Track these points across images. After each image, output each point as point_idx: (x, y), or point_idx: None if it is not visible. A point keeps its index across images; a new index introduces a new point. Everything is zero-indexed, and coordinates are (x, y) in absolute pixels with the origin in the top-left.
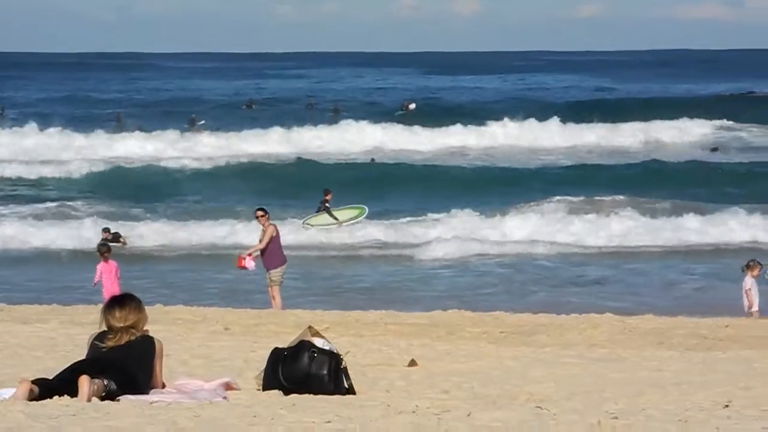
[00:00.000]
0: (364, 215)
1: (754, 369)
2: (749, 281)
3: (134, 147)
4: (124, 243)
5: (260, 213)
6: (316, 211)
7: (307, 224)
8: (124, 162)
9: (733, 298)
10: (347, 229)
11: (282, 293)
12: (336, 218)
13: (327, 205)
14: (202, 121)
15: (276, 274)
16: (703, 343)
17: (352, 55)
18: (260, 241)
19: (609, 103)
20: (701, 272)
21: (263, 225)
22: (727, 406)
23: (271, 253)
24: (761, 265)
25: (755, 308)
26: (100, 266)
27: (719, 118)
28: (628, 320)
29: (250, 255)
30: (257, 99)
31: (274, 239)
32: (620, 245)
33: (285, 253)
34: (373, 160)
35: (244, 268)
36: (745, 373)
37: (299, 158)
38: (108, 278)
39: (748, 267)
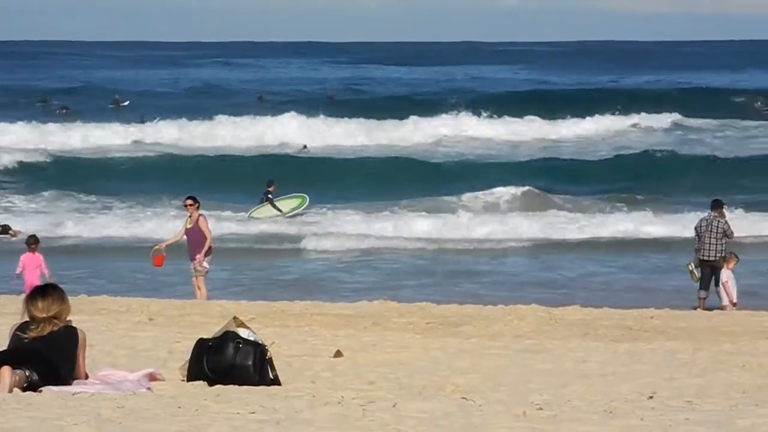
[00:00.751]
0: (306, 204)
1: (679, 360)
2: (726, 274)
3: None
4: (14, 235)
5: (189, 202)
6: (260, 203)
7: (253, 216)
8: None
9: (655, 288)
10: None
11: (207, 284)
12: (279, 209)
13: (269, 196)
14: (126, 102)
15: (206, 263)
16: (629, 334)
17: (276, 44)
18: (196, 233)
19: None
20: (623, 264)
21: (191, 214)
22: (651, 396)
23: (196, 243)
24: (737, 257)
25: (734, 300)
26: (24, 257)
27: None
28: (554, 311)
29: (180, 248)
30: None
31: (203, 230)
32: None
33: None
34: (305, 147)
35: (160, 266)
36: (669, 364)
37: (222, 155)
38: (30, 270)
39: (724, 259)
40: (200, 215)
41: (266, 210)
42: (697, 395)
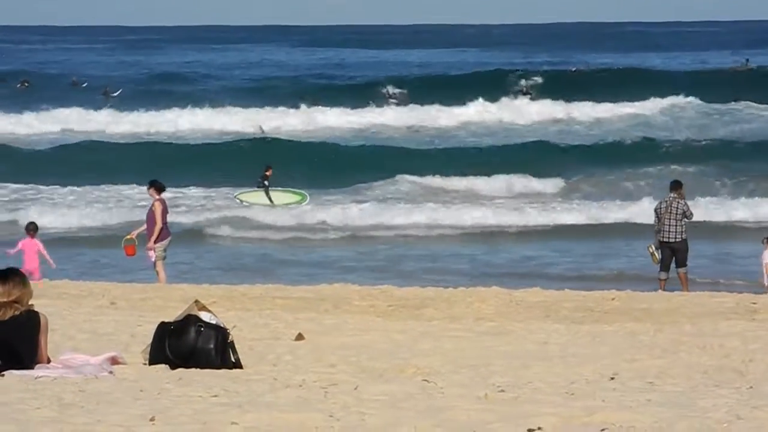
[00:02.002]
0: (305, 203)
1: (640, 341)
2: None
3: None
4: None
5: (147, 186)
6: (257, 186)
7: (239, 198)
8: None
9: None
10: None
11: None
12: (271, 201)
13: (266, 183)
14: (85, 83)
15: (159, 248)
16: (590, 315)
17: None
18: (152, 219)
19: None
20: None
21: (154, 198)
22: (612, 378)
23: (150, 228)
24: None
25: None
26: (23, 242)
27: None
28: (514, 293)
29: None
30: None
31: (156, 215)
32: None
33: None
34: (261, 129)
35: (133, 255)
36: (630, 346)
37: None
38: (30, 255)
39: (685, 241)
40: (157, 200)
41: (256, 196)
42: (658, 376)
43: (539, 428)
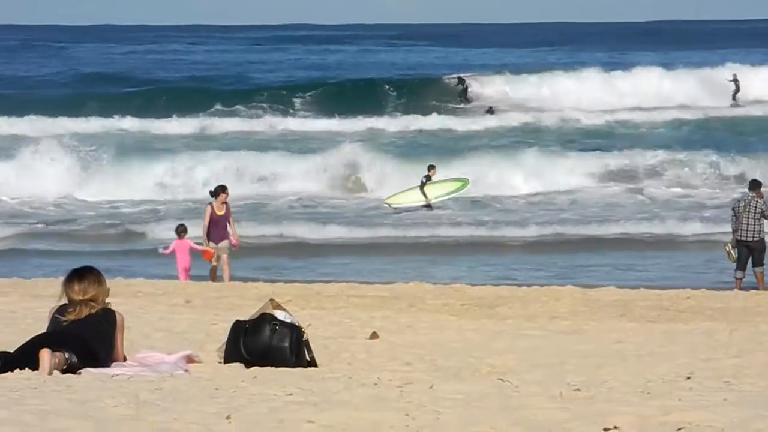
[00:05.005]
0: (467, 188)
1: (716, 341)
2: None
3: None
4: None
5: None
6: (421, 186)
7: (388, 203)
8: None
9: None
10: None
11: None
12: (425, 195)
13: (423, 180)
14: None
15: (223, 246)
16: (665, 314)
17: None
18: (224, 220)
19: None
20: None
21: (224, 201)
22: (688, 377)
23: (220, 227)
24: None
25: None
26: (175, 242)
27: None
28: (589, 292)
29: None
30: None
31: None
32: None
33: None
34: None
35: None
36: (706, 345)
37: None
38: (181, 254)
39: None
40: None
41: (407, 197)
42: (734, 376)
43: (615, 427)
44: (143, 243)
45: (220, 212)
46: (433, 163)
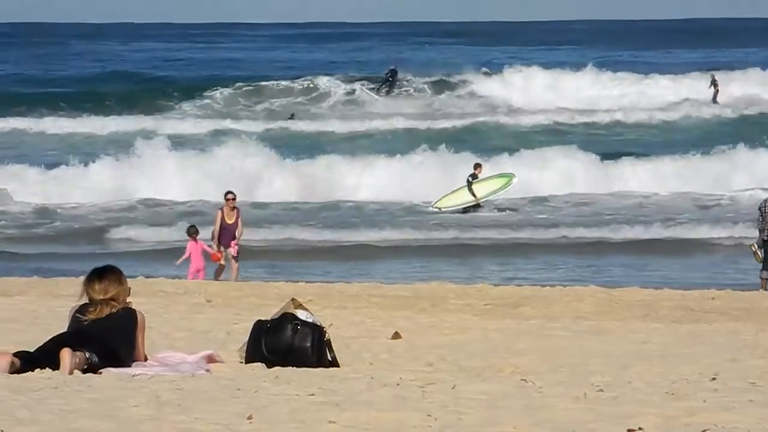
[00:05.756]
0: (513, 184)
1: (741, 341)
2: None
3: None
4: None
5: (231, 196)
6: (468, 185)
7: (437, 207)
8: None
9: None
10: None
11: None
12: (475, 196)
13: (469, 179)
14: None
15: (231, 251)
16: (690, 315)
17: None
18: (235, 224)
19: None
20: None
21: (233, 207)
22: (714, 378)
23: (230, 232)
24: None
25: None
26: (190, 245)
27: None
28: (613, 292)
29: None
30: None
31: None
32: None
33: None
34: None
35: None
36: (731, 345)
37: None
38: (195, 255)
39: None
40: (237, 208)
41: (456, 198)
42: (760, 377)
43: (640, 428)
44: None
45: (230, 220)
46: (479, 162)
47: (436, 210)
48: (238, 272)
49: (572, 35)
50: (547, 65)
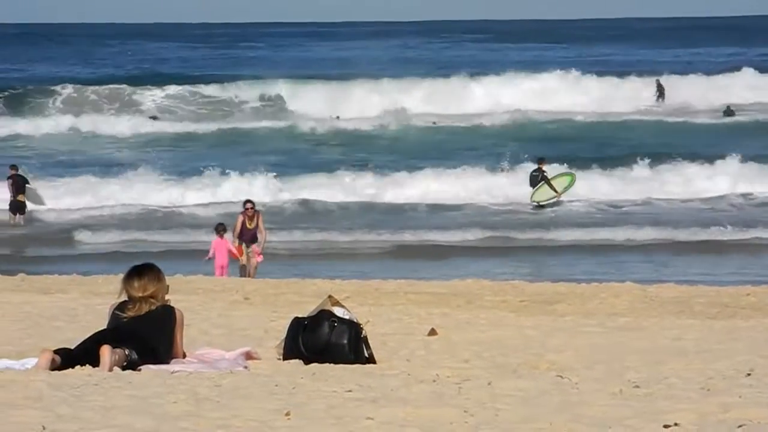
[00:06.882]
0: (575, 183)
1: None
2: None
3: None
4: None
5: (250, 205)
6: (536, 183)
7: (536, 201)
8: None
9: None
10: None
11: None
12: (555, 190)
13: (545, 174)
14: None
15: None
16: (725, 311)
17: None
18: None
19: None
20: None
21: (252, 216)
22: (749, 374)
23: (250, 234)
24: None
25: None
26: (215, 242)
27: None
28: (648, 289)
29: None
30: None
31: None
32: None
33: None
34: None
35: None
36: (767, 341)
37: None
38: (220, 253)
39: None
40: (258, 212)
41: (545, 192)
42: None
43: (675, 424)
44: None
45: (251, 226)
46: (542, 156)
47: (536, 203)
48: (257, 269)
49: None
50: None
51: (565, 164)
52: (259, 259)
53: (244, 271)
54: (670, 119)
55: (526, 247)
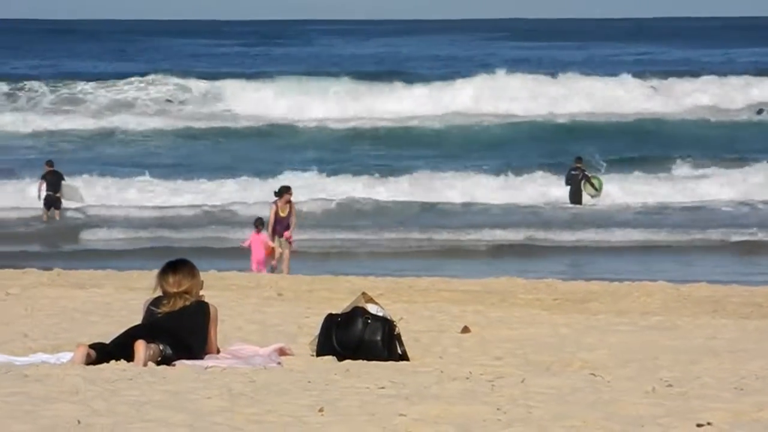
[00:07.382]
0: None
1: None
2: None
3: None
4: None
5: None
6: (579, 182)
7: (591, 194)
8: None
9: None
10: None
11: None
12: (596, 188)
13: (586, 173)
14: None
15: (285, 241)
16: (758, 311)
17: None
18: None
19: None
20: None
21: (288, 202)
22: None
23: (283, 225)
24: None
25: None
26: (252, 236)
27: None
28: (681, 288)
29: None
30: None
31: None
32: None
33: None
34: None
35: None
36: None
37: None
38: (256, 247)
39: None
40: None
41: (589, 189)
42: None
43: (708, 423)
44: None
45: (284, 213)
46: (580, 156)
47: (590, 196)
48: (289, 264)
49: None
50: None
51: (604, 164)
52: (291, 240)
53: (275, 266)
54: (713, 119)
55: (560, 247)
